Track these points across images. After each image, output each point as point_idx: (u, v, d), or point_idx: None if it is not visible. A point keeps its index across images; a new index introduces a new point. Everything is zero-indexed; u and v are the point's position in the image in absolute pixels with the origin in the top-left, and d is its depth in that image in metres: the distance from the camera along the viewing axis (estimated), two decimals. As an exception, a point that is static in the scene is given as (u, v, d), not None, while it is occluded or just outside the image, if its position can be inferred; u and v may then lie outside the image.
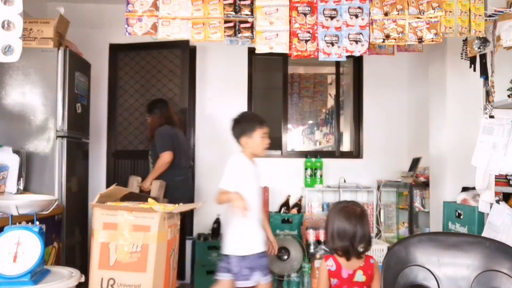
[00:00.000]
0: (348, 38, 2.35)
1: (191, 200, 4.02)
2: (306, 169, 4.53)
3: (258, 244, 2.51)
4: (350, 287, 2.01)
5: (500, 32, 2.46)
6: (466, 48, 2.76)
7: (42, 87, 3.04)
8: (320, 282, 2.05)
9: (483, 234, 2.44)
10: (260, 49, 2.36)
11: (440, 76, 3.50)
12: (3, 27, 1.78)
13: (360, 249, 1.99)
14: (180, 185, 3.66)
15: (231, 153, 4.50)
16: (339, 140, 4.89)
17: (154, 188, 3.39)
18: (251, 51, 4.48)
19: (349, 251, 1.99)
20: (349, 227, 1.98)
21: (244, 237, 2.50)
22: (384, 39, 2.35)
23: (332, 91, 5.34)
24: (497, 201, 2.44)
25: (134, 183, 3.49)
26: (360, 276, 2.02)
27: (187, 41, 3.99)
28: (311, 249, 3.90)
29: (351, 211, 2.02)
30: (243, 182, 2.52)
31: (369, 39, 2.35)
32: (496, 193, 2.48)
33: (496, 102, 2.59)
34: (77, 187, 3.32)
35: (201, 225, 4.42)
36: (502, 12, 2.46)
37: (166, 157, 3.51)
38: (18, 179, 2.80)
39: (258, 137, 2.57)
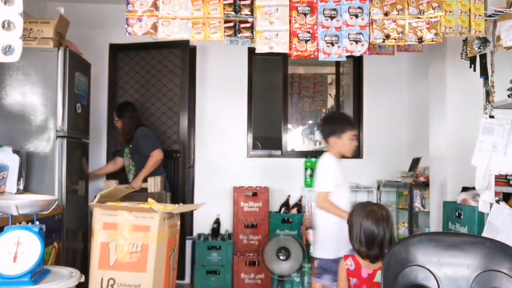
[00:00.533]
0: (348, 38, 2.35)
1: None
2: (306, 169, 4.53)
3: (339, 250, 2.49)
4: (370, 287, 1.99)
5: (500, 32, 2.45)
6: (466, 48, 2.76)
7: (42, 87, 3.04)
8: (339, 281, 2.04)
9: (483, 234, 2.43)
10: (260, 49, 2.35)
11: (440, 76, 3.50)
12: (3, 27, 1.78)
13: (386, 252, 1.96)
14: (166, 181, 3.75)
15: (231, 153, 4.57)
16: (339, 140, 4.88)
17: (151, 185, 3.39)
18: (251, 51, 4.48)
19: (377, 257, 1.95)
20: (378, 232, 1.93)
21: (329, 241, 2.52)
22: (384, 39, 2.35)
23: (332, 91, 5.34)
24: (497, 201, 2.43)
25: (112, 187, 3.49)
26: (380, 277, 2.00)
27: (187, 41, 3.99)
28: (311, 249, 3.90)
29: (379, 215, 1.96)
30: (338, 182, 2.56)
31: (369, 39, 2.35)
32: (496, 193, 2.47)
33: (496, 102, 2.59)
34: (77, 187, 3.31)
35: (201, 225, 4.42)
36: (502, 12, 2.45)
37: (158, 155, 3.59)
38: (18, 179, 2.79)
39: (347, 139, 2.60)
